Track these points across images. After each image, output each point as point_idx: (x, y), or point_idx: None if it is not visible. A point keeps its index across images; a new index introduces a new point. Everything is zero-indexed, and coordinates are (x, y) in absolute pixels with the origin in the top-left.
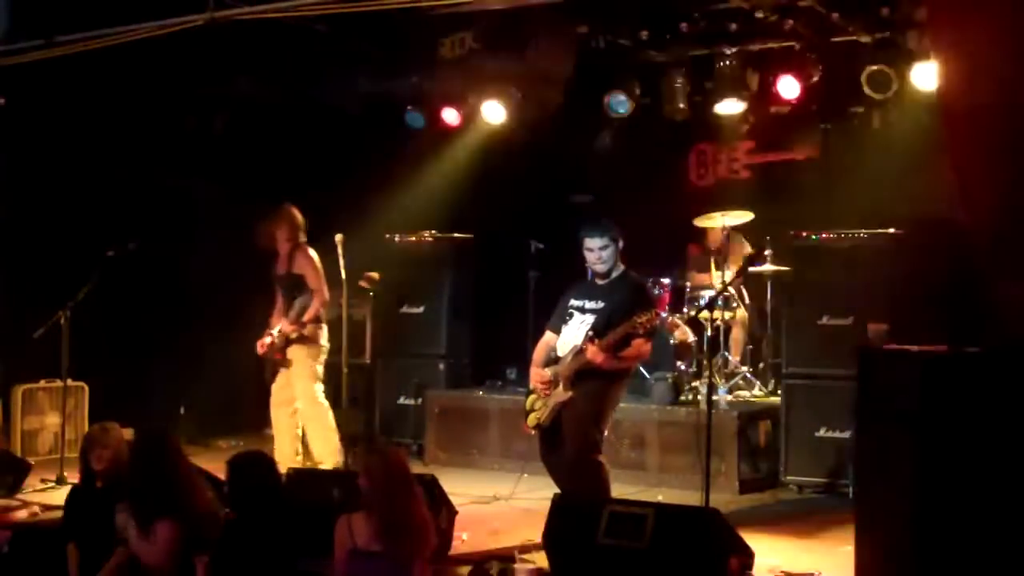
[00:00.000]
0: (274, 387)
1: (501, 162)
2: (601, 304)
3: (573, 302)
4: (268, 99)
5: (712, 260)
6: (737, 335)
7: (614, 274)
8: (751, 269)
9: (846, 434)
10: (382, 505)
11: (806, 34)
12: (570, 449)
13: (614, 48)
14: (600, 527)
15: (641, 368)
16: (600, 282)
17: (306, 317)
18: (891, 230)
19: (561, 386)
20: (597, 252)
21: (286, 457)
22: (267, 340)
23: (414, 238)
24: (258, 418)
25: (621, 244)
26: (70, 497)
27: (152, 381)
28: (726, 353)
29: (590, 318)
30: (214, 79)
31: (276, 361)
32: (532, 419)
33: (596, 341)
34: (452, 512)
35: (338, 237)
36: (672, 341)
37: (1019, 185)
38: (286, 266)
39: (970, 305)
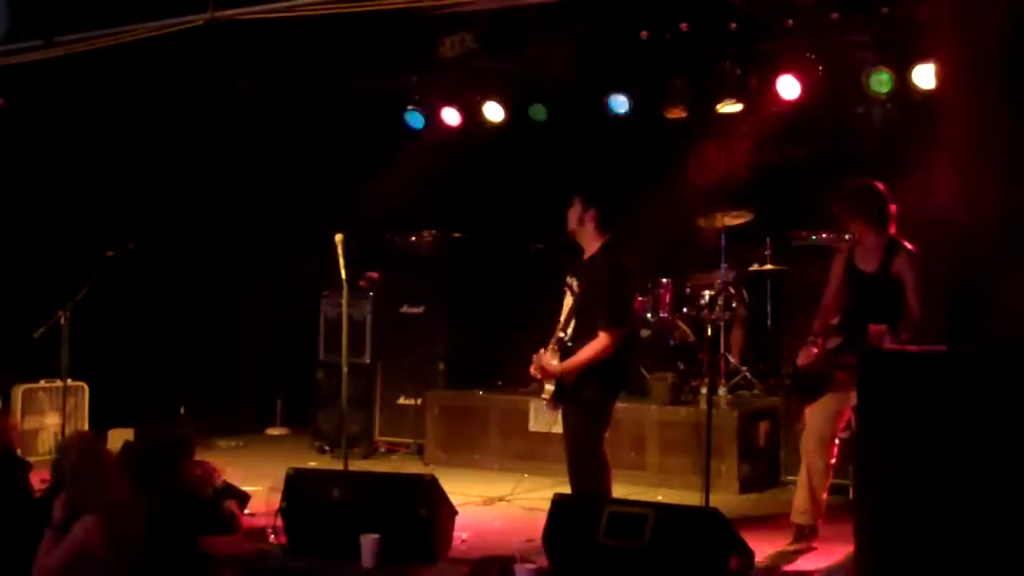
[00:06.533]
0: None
1: (501, 162)
2: (579, 286)
3: (568, 278)
4: (267, 98)
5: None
6: (737, 335)
7: (592, 250)
8: (751, 269)
9: (845, 434)
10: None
11: (806, 34)
12: (569, 453)
13: (614, 48)
14: (600, 527)
15: (641, 368)
16: (584, 258)
17: None
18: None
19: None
20: (568, 211)
21: None
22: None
23: (414, 238)
24: (258, 418)
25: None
26: None
27: (152, 381)
28: (726, 353)
29: (570, 301)
30: (214, 79)
31: None
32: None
33: (561, 350)
34: (452, 512)
35: (338, 237)
36: (672, 341)
37: (1019, 185)
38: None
39: (970, 305)
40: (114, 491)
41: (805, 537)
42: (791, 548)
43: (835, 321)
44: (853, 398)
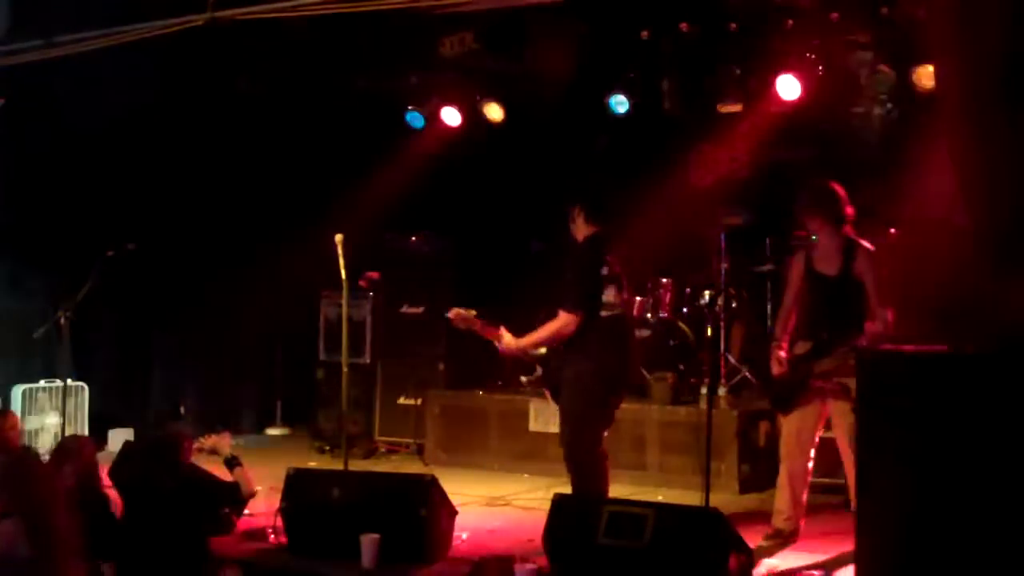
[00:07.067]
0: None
1: (501, 162)
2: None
3: None
4: (267, 98)
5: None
6: (737, 335)
7: (576, 240)
8: (751, 269)
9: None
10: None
11: (806, 34)
12: (567, 453)
13: (614, 48)
14: (600, 527)
15: (641, 368)
16: None
17: None
18: (891, 230)
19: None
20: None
21: None
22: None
23: (414, 238)
24: (258, 418)
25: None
26: None
27: (152, 381)
28: (726, 353)
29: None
30: (214, 79)
31: None
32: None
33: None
34: (452, 512)
35: (338, 237)
36: (672, 341)
37: (1019, 185)
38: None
39: (969, 305)
40: (41, 497)
41: (783, 538)
42: (765, 543)
43: (792, 321)
44: (832, 405)
